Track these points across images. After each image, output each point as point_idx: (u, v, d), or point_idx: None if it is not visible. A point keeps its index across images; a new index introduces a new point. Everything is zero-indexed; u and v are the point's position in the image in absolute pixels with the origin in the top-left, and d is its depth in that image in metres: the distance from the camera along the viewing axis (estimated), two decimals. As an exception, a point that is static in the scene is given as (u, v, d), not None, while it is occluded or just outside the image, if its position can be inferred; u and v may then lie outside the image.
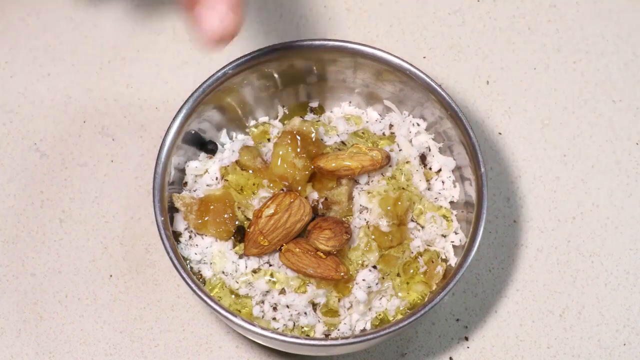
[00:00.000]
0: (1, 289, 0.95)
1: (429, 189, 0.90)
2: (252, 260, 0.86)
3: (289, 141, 0.87)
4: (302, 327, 0.86)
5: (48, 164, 0.99)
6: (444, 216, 0.89)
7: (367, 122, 0.93)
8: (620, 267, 0.97)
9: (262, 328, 0.82)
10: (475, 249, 0.84)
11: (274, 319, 0.86)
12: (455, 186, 0.91)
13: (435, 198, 0.90)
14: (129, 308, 0.95)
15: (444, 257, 0.89)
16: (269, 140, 0.91)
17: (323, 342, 0.83)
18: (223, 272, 0.87)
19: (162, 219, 0.84)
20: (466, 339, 0.95)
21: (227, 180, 0.88)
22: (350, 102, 0.95)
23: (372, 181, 0.88)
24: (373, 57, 0.89)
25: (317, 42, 0.89)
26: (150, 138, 0.99)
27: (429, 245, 0.89)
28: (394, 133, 0.91)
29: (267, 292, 0.86)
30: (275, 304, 0.86)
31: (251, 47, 0.93)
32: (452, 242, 0.89)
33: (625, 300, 0.96)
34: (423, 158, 0.91)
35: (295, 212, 0.85)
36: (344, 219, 0.87)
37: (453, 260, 0.89)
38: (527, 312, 0.95)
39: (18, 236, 0.96)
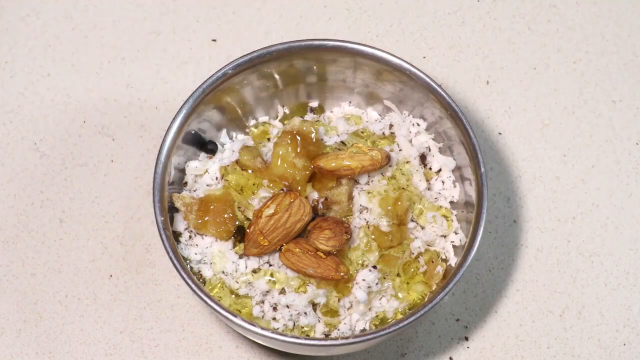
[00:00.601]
0: (1, 289, 0.95)
1: (429, 189, 0.90)
2: (252, 260, 0.86)
3: (289, 141, 0.87)
4: (302, 327, 0.86)
5: (48, 164, 0.99)
6: (444, 216, 0.89)
7: (367, 122, 0.93)
8: (620, 267, 0.97)
9: (262, 328, 0.82)
10: (475, 249, 0.84)
11: (274, 319, 0.86)
12: (455, 186, 0.91)
13: (435, 198, 0.90)
14: (129, 308, 0.95)
15: (444, 257, 0.89)
16: (269, 140, 0.91)
17: (323, 342, 0.83)
18: (223, 272, 0.87)
19: (162, 219, 0.84)
20: (466, 339, 0.95)
21: (227, 180, 0.88)
22: (350, 102, 0.95)
23: (372, 181, 0.88)
24: (373, 57, 0.89)
25: (317, 42, 0.89)
26: (150, 138, 0.99)
27: (429, 246, 0.89)
28: (394, 133, 0.91)
29: (267, 292, 0.86)
30: (275, 304, 0.86)
31: (251, 47, 0.93)
32: (452, 242, 0.89)
33: (625, 300, 0.96)
34: (423, 158, 0.91)
35: (295, 212, 0.85)
36: (344, 219, 0.87)
37: (453, 260, 0.88)
38: (527, 312, 0.95)
39: (18, 236, 0.96)
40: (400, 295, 0.87)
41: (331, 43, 0.89)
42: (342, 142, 0.89)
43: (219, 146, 0.92)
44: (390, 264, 0.86)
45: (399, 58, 0.89)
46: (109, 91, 1.01)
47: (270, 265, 0.86)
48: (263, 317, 0.86)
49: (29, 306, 0.95)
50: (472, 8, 1.05)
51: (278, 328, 0.85)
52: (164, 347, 0.94)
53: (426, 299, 0.87)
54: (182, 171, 0.90)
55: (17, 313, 0.94)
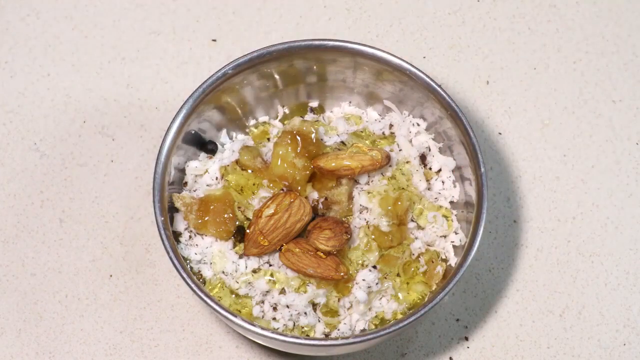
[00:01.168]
0: (1, 289, 0.95)
1: (429, 189, 0.90)
2: (252, 260, 0.86)
3: (289, 141, 0.87)
4: (302, 327, 0.86)
5: (48, 164, 0.99)
6: (444, 216, 0.89)
7: (367, 122, 0.93)
8: (620, 267, 0.97)
9: (262, 328, 0.82)
10: (475, 249, 0.84)
11: (274, 319, 0.86)
12: (455, 186, 0.91)
13: (435, 198, 0.90)
14: (129, 308, 0.95)
15: (444, 257, 0.89)
16: (269, 140, 0.91)
17: (323, 342, 0.83)
18: (223, 272, 0.87)
19: (162, 219, 0.84)
20: (466, 339, 0.95)
21: (227, 180, 0.88)
22: (350, 102, 0.95)
23: (372, 181, 0.88)
24: (373, 57, 0.89)
25: (317, 42, 0.89)
26: (150, 138, 0.99)
27: (429, 246, 0.89)
28: (394, 133, 0.91)
29: (267, 292, 0.86)
30: (275, 304, 0.86)
31: (251, 47, 0.93)
32: (452, 242, 0.89)
33: (625, 300, 0.96)
34: (423, 158, 0.91)
35: (295, 212, 0.85)
36: (344, 219, 0.87)
37: (453, 260, 0.88)
38: (527, 312, 0.95)
39: (18, 236, 0.96)
40: (400, 295, 0.87)
41: (331, 43, 0.89)
42: (342, 142, 0.89)
43: (219, 146, 0.92)
44: (390, 264, 0.86)
45: (399, 58, 0.89)
46: (109, 91, 1.01)
47: (270, 265, 0.86)
48: (263, 317, 0.86)
49: (29, 306, 0.95)
50: (472, 8, 1.05)
51: (278, 328, 0.85)
52: (164, 347, 0.94)
53: (426, 299, 0.87)
54: (182, 171, 0.90)
55: (17, 313, 0.94)
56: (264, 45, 0.89)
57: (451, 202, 0.90)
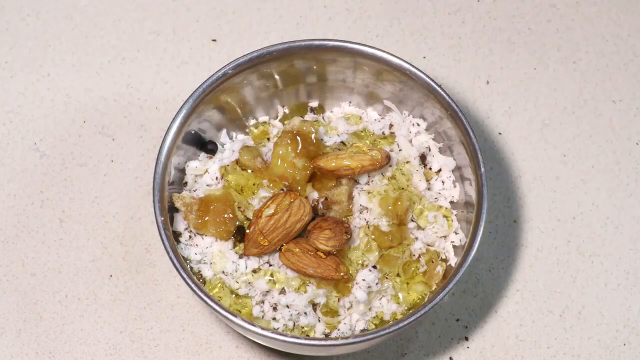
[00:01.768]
0: (1, 289, 0.95)
1: (429, 189, 0.90)
2: (252, 260, 0.86)
3: (289, 141, 0.87)
4: (302, 327, 0.86)
5: (48, 164, 0.99)
6: (444, 216, 0.89)
7: (367, 122, 0.93)
8: (620, 267, 0.97)
9: (262, 328, 0.82)
10: (475, 249, 0.84)
11: (274, 319, 0.86)
12: (455, 186, 0.91)
13: (435, 198, 0.90)
14: (129, 308, 0.95)
15: (444, 257, 0.89)
16: (269, 140, 0.91)
17: (323, 342, 0.83)
18: (223, 272, 0.87)
19: (162, 219, 0.84)
20: (466, 339, 0.95)
21: (227, 180, 0.88)
22: (350, 102, 0.95)
23: (372, 181, 0.88)
24: (373, 57, 0.89)
25: (317, 42, 0.89)
26: (150, 138, 0.99)
27: (429, 246, 0.89)
28: (394, 133, 0.91)
29: (267, 292, 0.86)
30: (275, 304, 0.86)
31: (251, 47, 0.93)
32: (452, 242, 0.89)
33: (625, 300, 0.96)
34: (423, 158, 0.91)
35: (295, 212, 0.85)
36: (344, 219, 0.87)
37: (453, 260, 0.89)
38: (527, 312, 0.95)
39: (18, 236, 0.96)
40: (400, 295, 0.87)
41: (331, 43, 0.89)
42: (342, 142, 0.89)
43: (219, 146, 0.92)
44: (390, 264, 0.86)
45: (399, 58, 0.89)
46: (109, 91, 1.01)
47: (270, 265, 0.86)
48: (263, 317, 0.86)
49: (29, 306, 0.95)
50: (472, 8, 1.05)
51: (278, 328, 0.85)
52: (164, 347, 0.94)
53: (426, 299, 0.87)
54: (182, 171, 0.90)
55: (17, 313, 0.94)
56: (264, 45, 0.89)
57: (451, 202, 0.90)
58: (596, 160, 1.00)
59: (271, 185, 0.87)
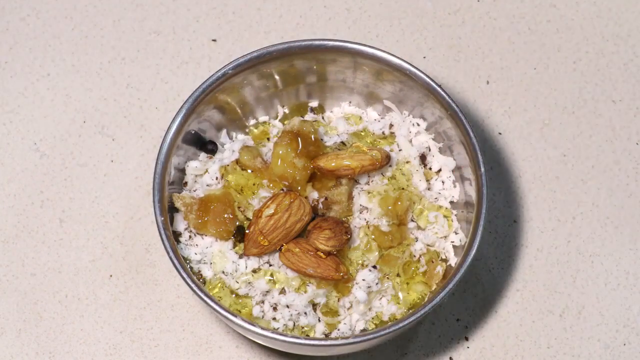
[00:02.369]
0: (1, 289, 0.95)
1: (429, 189, 0.90)
2: (252, 260, 0.86)
3: (289, 141, 0.87)
4: (302, 327, 0.86)
5: (48, 164, 0.99)
6: (444, 216, 0.89)
7: (367, 122, 0.93)
8: (620, 267, 0.97)
9: (262, 328, 0.82)
10: (475, 249, 0.84)
11: (274, 319, 0.86)
12: (455, 186, 0.91)
13: (435, 198, 0.90)
14: (129, 308, 0.95)
15: (444, 257, 0.89)
16: (269, 140, 0.91)
17: (323, 342, 0.83)
18: (223, 272, 0.87)
19: (162, 219, 0.84)
20: (466, 339, 0.95)
21: (227, 180, 0.88)
22: (350, 102, 0.95)
23: (372, 181, 0.88)
24: (373, 57, 0.89)
25: (317, 42, 0.89)
26: (150, 138, 0.99)
27: (429, 246, 0.89)
28: (394, 133, 0.91)
29: (267, 292, 0.86)
30: (275, 304, 0.86)
31: (251, 47, 0.93)
32: (452, 242, 0.89)
33: (625, 300, 0.96)
34: (423, 158, 0.91)
35: (295, 212, 0.85)
36: (344, 219, 0.87)
37: (453, 260, 0.89)
38: (527, 312, 0.95)
39: (18, 236, 0.96)
40: (400, 295, 0.87)
41: (331, 43, 0.89)
42: (342, 142, 0.89)
43: (219, 146, 0.92)
44: (390, 264, 0.86)
45: (399, 58, 0.89)
46: (109, 91, 1.01)
47: (270, 265, 0.86)
48: (263, 317, 0.86)
49: (29, 306, 0.95)
50: (472, 8, 1.05)
51: (278, 328, 0.85)
52: (164, 347, 0.94)
53: (426, 299, 0.87)
54: (182, 171, 0.90)
55: (17, 313, 0.94)
56: (264, 45, 0.89)
57: (451, 202, 0.90)
58: (596, 160, 1.00)
59: (271, 185, 0.87)
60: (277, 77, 0.92)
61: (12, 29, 1.03)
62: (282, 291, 0.86)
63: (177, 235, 0.88)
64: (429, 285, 0.88)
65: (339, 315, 0.86)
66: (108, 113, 1.00)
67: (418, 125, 0.92)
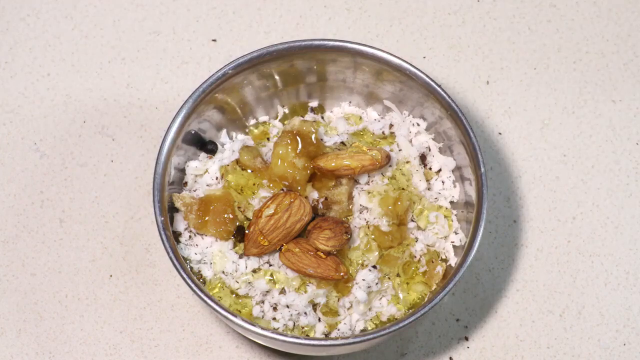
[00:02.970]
0: (1, 289, 0.95)
1: (429, 189, 0.90)
2: (252, 260, 0.86)
3: (289, 141, 0.87)
4: (302, 327, 0.86)
5: (48, 164, 0.99)
6: (444, 216, 0.89)
7: (367, 122, 0.93)
8: (620, 267, 0.97)
9: (262, 328, 0.82)
10: (475, 249, 0.84)
11: (274, 319, 0.86)
12: (455, 186, 0.91)
13: (435, 198, 0.90)
14: (129, 308, 0.95)
15: (444, 257, 0.89)
16: (269, 140, 0.91)
17: (323, 342, 0.83)
18: (223, 272, 0.87)
19: (162, 219, 0.84)
20: (466, 339, 0.95)
21: (227, 180, 0.88)
22: (350, 102, 0.95)
23: (372, 181, 0.88)
24: (373, 57, 0.89)
25: (317, 42, 0.89)
26: (150, 138, 0.99)
27: (429, 246, 0.89)
28: (394, 133, 0.91)
29: (267, 292, 0.86)
30: (275, 304, 0.86)
31: (251, 47, 0.93)
32: (452, 242, 0.89)
33: (625, 300, 0.96)
34: (423, 158, 0.91)
35: (295, 212, 0.85)
36: (344, 219, 0.87)
37: (453, 260, 0.89)
38: (527, 312, 0.95)
39: (18, 236, 0.96)
40: (400, 295, 0.87)
41: (331, 43, 0.89)
42: (342, 142, 0.89)
43: (219, 146, 0.92)
44: (390, 264, 0.86)
45: (399, 58, 0.89)
46: (109, 91, 1.01)
47: (270, 265, 0.86)
48: (263, 317, 0.86)
49: (29, 306, 0.95)
50: (472, 8, 1.05)
51: (278, 328, 0.85)
52: (164, 347, 0.94)
53: (426, 299, 0.87)
54: (182, 171, 0.90)
55: (17, 313, 0.94)
56: (264, 45, 0.89)
57: (451, 202, 0.90)
58: (596, 160, 1.00)
59: (271, 185, 0.87)
60: (277, 77, 0.92)
61: (12, 29, 1.03)
62: (282, 291, 0.86)
63: (177, 235, 0.88)
64: (429, 286, 0.88)
65: (339, 315, 0.86)
66: (108, 113, 1.00)
67: (418, 125, 0.92)
